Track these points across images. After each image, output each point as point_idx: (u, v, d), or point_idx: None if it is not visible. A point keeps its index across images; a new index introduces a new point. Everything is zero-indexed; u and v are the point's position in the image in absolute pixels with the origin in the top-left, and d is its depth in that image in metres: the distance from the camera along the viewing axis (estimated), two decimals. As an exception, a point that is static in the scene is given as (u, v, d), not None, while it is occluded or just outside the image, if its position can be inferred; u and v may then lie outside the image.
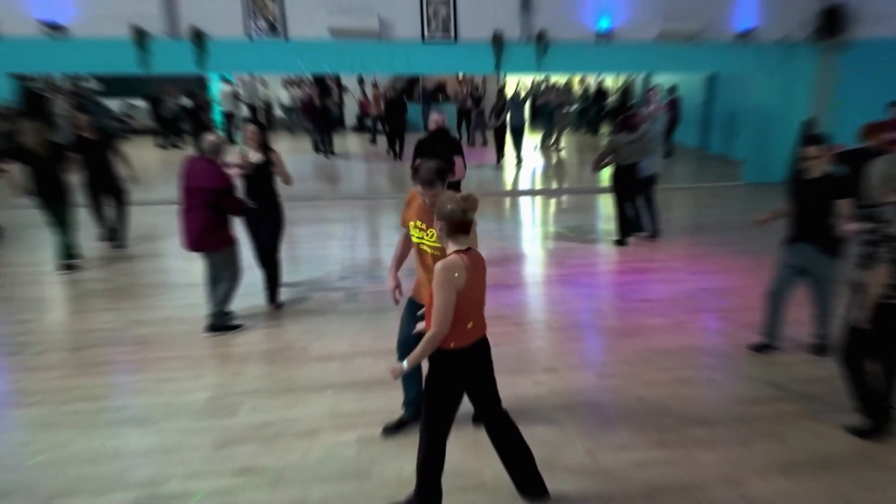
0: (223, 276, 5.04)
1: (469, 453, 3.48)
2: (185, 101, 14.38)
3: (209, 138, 4.90)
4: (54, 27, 8.77)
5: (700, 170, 13.05)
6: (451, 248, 2.72)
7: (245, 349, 4.88)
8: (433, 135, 5.89)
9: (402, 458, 3.40)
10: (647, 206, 7.68)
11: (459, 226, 2.67)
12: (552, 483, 3.22)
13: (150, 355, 4.75)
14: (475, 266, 2.71)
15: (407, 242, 3.55)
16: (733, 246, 7.36)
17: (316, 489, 3.22)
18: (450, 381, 2.79)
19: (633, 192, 7.45)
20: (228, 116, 15.01)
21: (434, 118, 6.00)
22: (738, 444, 3.60)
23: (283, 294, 5.72)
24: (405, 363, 2.75)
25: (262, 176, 5.37)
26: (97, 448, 3.58)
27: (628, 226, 7.58)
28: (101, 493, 3.21)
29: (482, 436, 3.08)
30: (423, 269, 3.35)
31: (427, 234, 3.30)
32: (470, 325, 2.73)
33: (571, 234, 8.22)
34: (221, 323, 5.12)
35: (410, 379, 3.69)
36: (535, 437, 3.67)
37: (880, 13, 9.75)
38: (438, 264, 2.63)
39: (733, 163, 12.51)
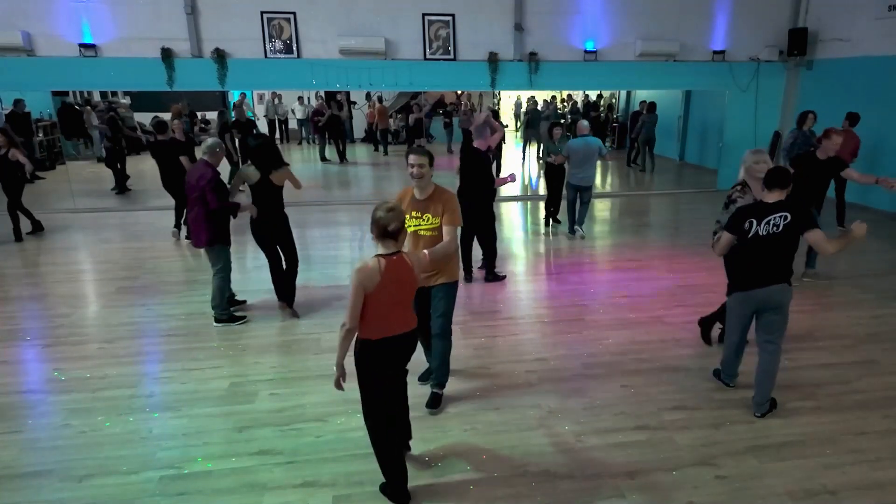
0: (214, 272, 5.03)
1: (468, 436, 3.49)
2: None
3: (207, 140, 5.01)
4: (88, 48, 8.83)
5: (678, 178, 13.05)
6: (379, 251, 2.75)
7: (263, 341, 4.88)
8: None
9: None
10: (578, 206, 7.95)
11: (384, 232, 2.69)
12: (543, 463, 3.23)
13: (176, 347, 4.76)
14: (393, 270, 2.70)
15: None
16: (707, 247, 7.34)
17: (327, 468, 3.23)
18: (364, 366, 2.83)
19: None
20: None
21: (496, 135, 6.66)
22: (711, 428, 3.61)
23: (297, 292, 5.69)
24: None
25: (271, 189, 5.02)
26: (128, 431, 3.59)
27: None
28: (132, 472, 3.22)
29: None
30: None
31: (424, 220, 3.48)
32: (380, 322, 2.75)
33: (559, 235, 8.22)
34: (224, 315, 5.12)
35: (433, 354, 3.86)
36: (527, 420, 3.69)
37: (837, 36, 9.96)
38: (354, 268, 2.66)
39: (708, 171, 12.51)
